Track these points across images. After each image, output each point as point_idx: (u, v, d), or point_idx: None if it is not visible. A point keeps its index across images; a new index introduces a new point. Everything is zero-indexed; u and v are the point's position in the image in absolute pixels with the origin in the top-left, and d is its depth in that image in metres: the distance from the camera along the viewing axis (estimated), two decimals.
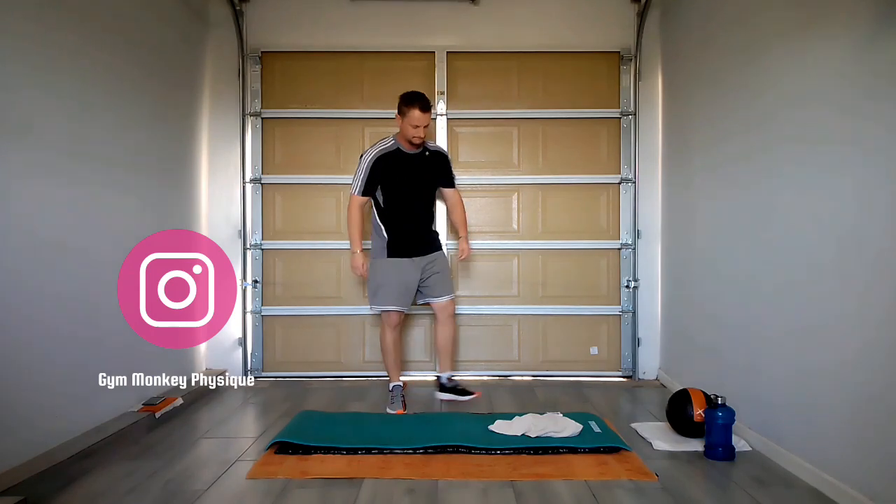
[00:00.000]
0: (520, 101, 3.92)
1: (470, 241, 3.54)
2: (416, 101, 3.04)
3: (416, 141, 3.13)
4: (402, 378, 3.38)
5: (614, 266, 3.92)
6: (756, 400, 2.56)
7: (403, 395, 3.25)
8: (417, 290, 3.30)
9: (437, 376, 3.54)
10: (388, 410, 3.15)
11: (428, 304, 3.42)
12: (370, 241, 3.33)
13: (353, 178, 3.21)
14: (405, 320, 3.87)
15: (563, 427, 2.63)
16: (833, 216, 2.10)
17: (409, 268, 3.23)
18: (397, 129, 3.19)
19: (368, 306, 3.43)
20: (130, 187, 2.90)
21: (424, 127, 3.08)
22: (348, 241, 3.32)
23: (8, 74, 2.12)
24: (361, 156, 3.21)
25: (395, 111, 3.14)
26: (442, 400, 3.39)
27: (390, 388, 3.28)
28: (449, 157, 3.42)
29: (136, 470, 2.31)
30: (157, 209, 3.18)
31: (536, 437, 2.57)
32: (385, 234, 3.22)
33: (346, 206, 3.61)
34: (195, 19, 3.68)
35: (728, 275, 2.87)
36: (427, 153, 3.26)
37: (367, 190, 3.18)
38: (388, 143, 3.19)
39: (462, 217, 3.47)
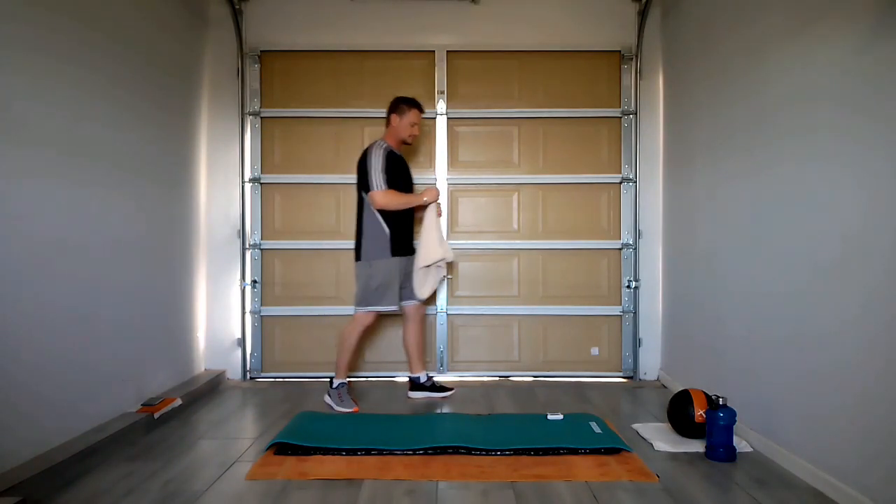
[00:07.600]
0: (520, 101, 3.91)
1: (470, 241, 3.74)
2: (416, 103, 3.30)
3: (411, 140, 3.31)
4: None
5: (615, 266, 3.92)
6: (757, 400, 2.55)
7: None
8: None
9: (412, 377, 3.45)
10: (342, 409, 3.11)
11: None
12: (365, 242, 3.20)
13: (369, 176, 3.12)
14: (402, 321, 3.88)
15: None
16: (836, 216, 2.09)
17: (403, 267, 3.26)
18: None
19: (355, 308, 3.24)
20: (129, 187, 2.89)
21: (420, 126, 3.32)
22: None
23: (6, 72, 2.10)
24: (367, 156, 3.16)
25: (387, 113, 3.30)
26: (415, 399, 3.38)
27: (335, 386, 3.20)
28: None
29: (135, 471, 2.31)
30: (156, 209, 3.17)
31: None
32: (388, 232, 3.17)
33: (346, 206, 3.83)
34: (194, 18, 3.66)
35: (729, 275, 2.87)
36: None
37: (390, 182, 3.15)
38: (384, 144, 3.24)
39: None
